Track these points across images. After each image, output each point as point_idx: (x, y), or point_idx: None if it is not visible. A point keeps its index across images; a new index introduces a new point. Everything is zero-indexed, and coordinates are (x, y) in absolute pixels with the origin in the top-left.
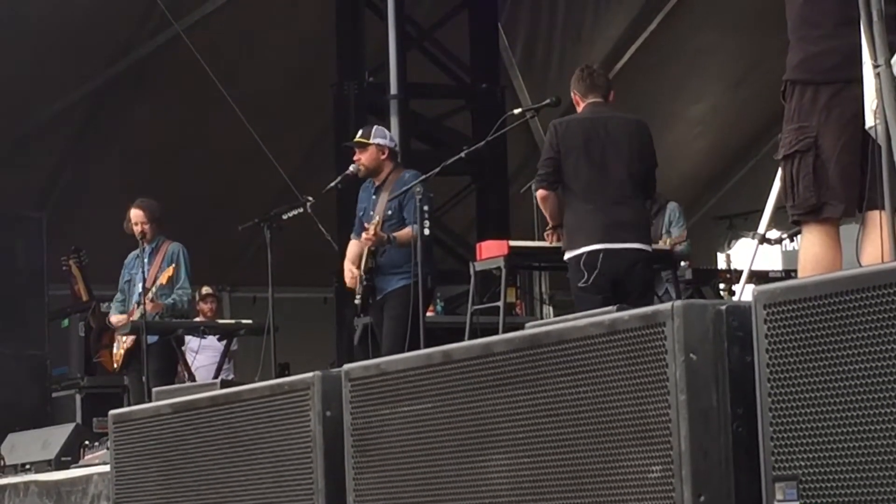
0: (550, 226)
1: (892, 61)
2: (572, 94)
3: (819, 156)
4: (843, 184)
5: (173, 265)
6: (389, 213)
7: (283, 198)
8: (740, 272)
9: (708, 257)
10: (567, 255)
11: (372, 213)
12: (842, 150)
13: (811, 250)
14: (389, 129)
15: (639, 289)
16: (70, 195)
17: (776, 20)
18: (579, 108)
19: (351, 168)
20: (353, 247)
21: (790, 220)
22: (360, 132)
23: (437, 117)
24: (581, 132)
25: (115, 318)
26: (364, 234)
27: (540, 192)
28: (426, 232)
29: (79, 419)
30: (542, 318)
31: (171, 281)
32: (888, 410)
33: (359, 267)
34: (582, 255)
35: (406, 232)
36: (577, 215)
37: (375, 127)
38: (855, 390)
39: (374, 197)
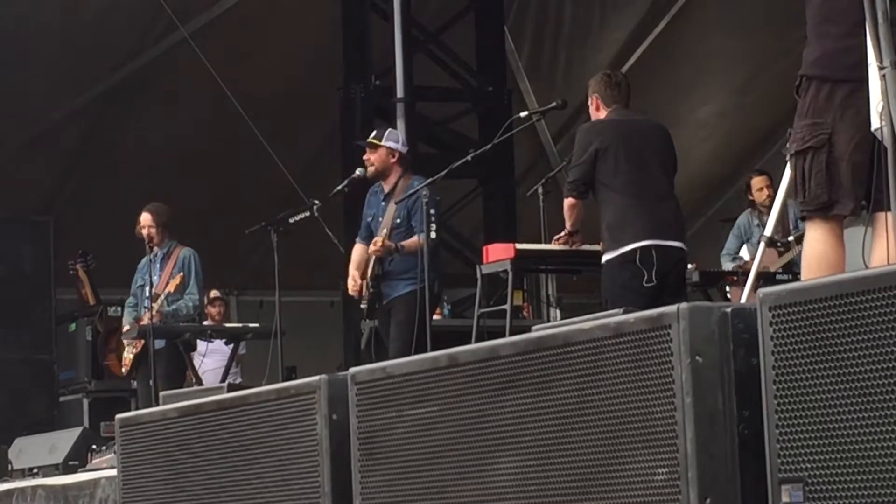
0: (568, 232)
1: None
2: (591, 98)
3: (832, 153)
4: (853, 182)
5: (182, 273)
6: (398, 220)
7: (290, 201)
8: (746, 274)
9: (714, 260)
10: (611, 255)
11: (381, 219)
12: (854, 148)
13: (816, 247)
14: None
15: (675, 288)
16: (77, 199)
17: (782, 23)
18: (600, 113)
19: (358, 171)
20: (358, 252)
21: (798, 216)
22: (373, 133)
23: (444, 120)
24: (615, 131)
25: (126, 328)
26: (371, 247)
27: (570, 201)
28: (433, 235)
29: (86, 423)
30: (549, 321)
31: (180, 288)
32: (894, 412)
33: (363, 274)
34: (634, 251)
35: (413, 241)
36: (620, 212)
37: (389, 130)
38: (861, 392)
39: (383, 203)
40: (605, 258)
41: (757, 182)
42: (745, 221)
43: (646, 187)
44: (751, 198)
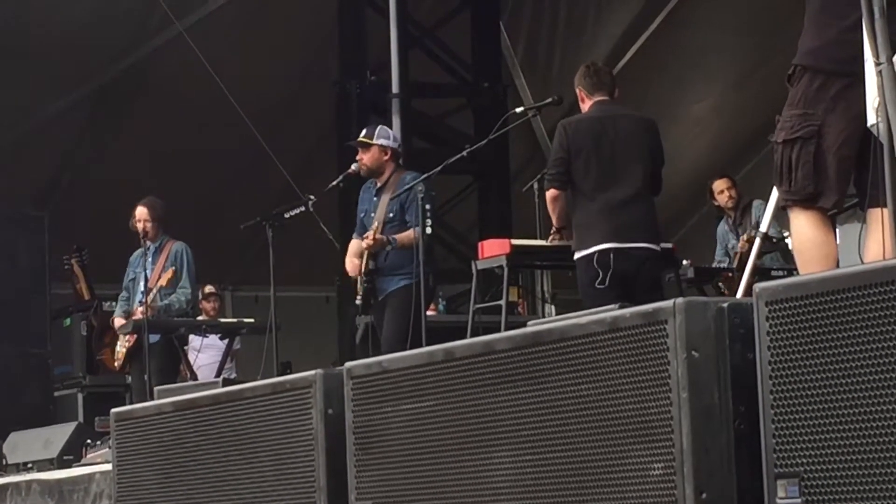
0: (555, 228)
1: None
2: (577, 91)
3: (820, 145)
4: (838, 176)
5: (173, 267)
6: (391, 214)
7: (285, 196)
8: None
9: (708, 255)
10: (577, 255)
11: (373, 215)
12: (843, 143)
13: (806, 233)
14: (391, 128)
15: (646, 286)
16: (72, 194)
17: (778, 20)
18: (585, 106)
19: (353, 167)
20: (354, 244)
21: (780, 205)
22: (363, 132)
23: (439, 116)
24: (590, 131)
25: (118, 323)
26: (364, 241)
27: (551, 192)
28: (428, 231)
29: (81, 418)
30: (543, 317)
31: (172, 282)
32: (890, 407)
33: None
34: (594, 254)
35: (407, 234)
36: (587, 214)
37: (379, 127)
38: (857, 387)
39: (375, 199)
40: (575, 256)
41: (718, 185)
42: (722, 230)
43: (615, 189)
44: (716, 203)
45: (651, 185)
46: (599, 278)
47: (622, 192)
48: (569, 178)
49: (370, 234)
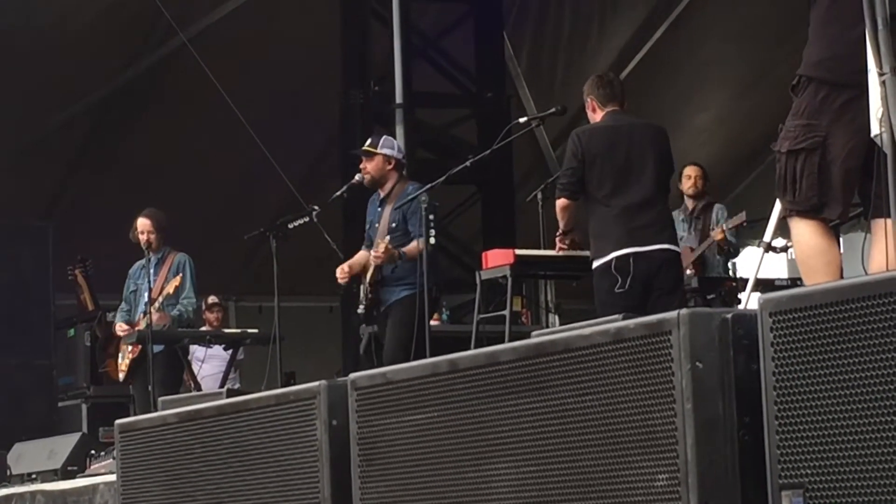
0: (562, 231)
1: None
2: (587, 101)
3: (825, 156)
4: (843, 187)
5: (180, 275)
6: (394, 224)
7: (289, 207)
8: (746, 280)
9: (713, 266)
10: (596, 263)
11: (377, 226)
12: (848, 154)
13: (808, 241)
14: (395, 138)
15: (667, 286)
16: (76, 205)
17: (780, 30)
18: (596, 115)
19: (357, 177)
20: (360, 254)
21: (783, 214)
22: (368, 141)
23: (443, 126)
24: (604, 140)
25: (121, 328)
26: (374, 252)
27: (561, 202)
28: (432, 241)
29: (85, 429)
30: (548, 327)
31: (178, 291)
32: (894, 418)
33: (361, 275)
34: (611, 260)
35: (414, 246)
36: (602, 222)
37: (384, 137)
38: (861, 398)
39: (379, 209)
40: (593, 266)
41: (687, 170)
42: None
43: (629, 195)
44: (680, 187)
45: (664, 192)
46: (619, 283)
47: (637, 197)
48: (580, 187)
49: (382, 245)
